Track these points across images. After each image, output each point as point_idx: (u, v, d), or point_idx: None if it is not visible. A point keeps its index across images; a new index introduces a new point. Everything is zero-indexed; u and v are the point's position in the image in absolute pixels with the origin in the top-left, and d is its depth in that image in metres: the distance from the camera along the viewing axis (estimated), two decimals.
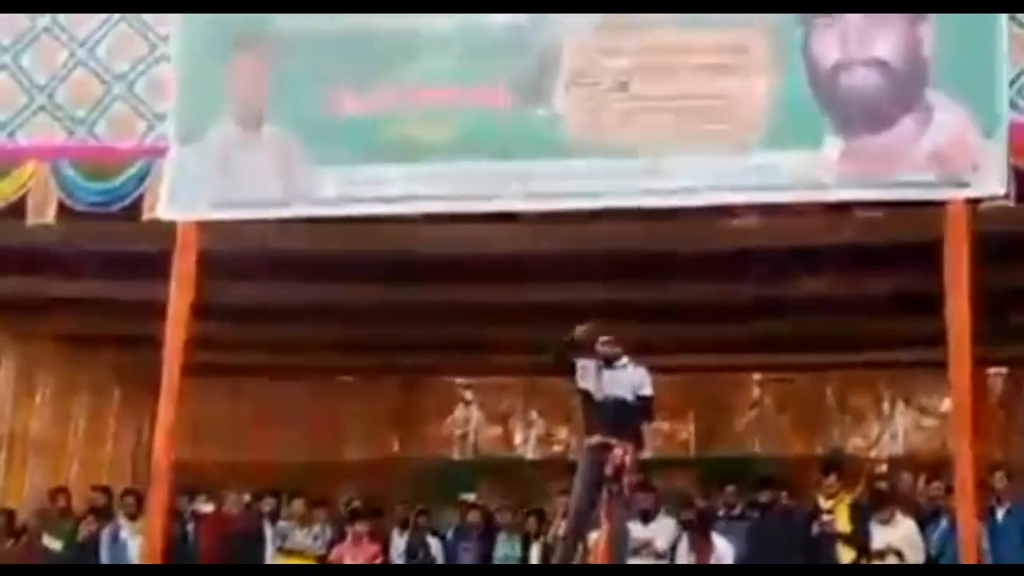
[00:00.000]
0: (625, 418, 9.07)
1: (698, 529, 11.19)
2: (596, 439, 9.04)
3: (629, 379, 9.12)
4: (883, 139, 8.55)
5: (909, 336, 12.22)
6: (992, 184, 8.42)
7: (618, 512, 9.13)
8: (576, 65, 8.91)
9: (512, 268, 10.92)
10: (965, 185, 8.45)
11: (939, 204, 8.49)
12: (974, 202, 8.47)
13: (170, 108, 9.46)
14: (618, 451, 8.91)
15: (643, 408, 9.17)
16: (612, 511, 9.09)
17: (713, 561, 10.95)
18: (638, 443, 9.13)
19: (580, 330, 9.01)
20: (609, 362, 9.13)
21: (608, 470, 8.91)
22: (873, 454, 15.37)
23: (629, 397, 9.07)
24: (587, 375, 9.15)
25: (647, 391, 9.16)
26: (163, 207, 9.38)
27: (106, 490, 13.07)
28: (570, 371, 9.23)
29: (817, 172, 8.65)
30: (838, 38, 8.65)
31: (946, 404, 12.74)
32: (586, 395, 9.16)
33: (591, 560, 9.30)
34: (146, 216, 9.39)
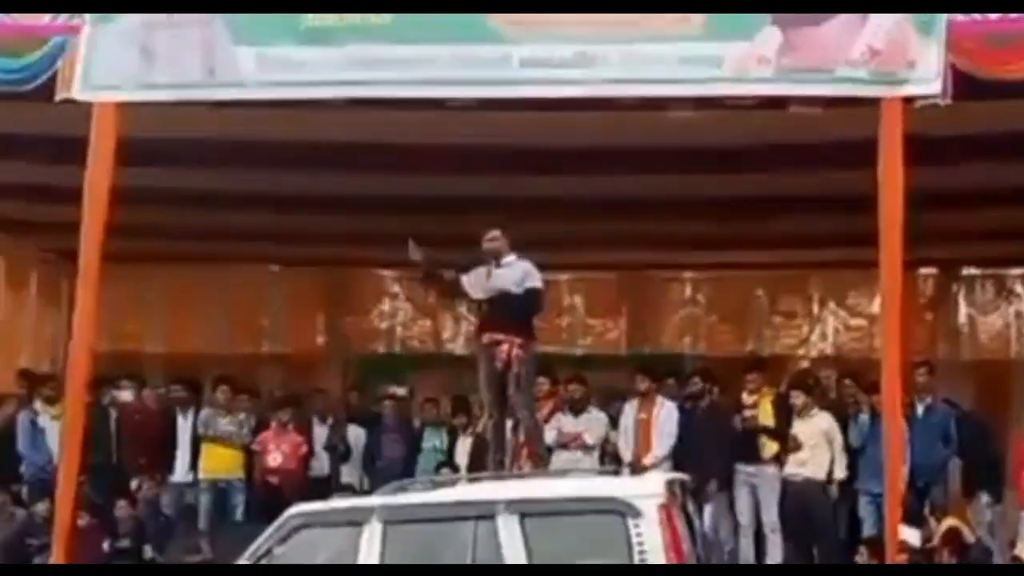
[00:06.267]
0: (511, 313, 9.08)
1: (647, 394, 11.27)
2: (486, 337, 9.13)
3: (515, 274, 9.10)
4: (821, 32, 8.42)
5: (841, 235, 12.19)
6: (928, 83, 8.32)
7: (519, 405, 9.16)
8: None
9: (441, 158, 10.71)
10: (901, 83, 8.35)
11: (875, 102, 8.39)
12: (910, 101, 8.37)
13: None
14: (505, 346, 8.98)
15: (531, 300, 9.19)
16: (515, 404, 9.14)
17: (656, 412, 11.09)
18: (528, 336, 9.14)
19: (414, 252, 9.20)
20: (496, 259, 9.12)
21: (498, 365, 8.98)
22: (802, 352, 15.43)
23: (515, 290, 9.08)
24: (473, 281, 9.23)
25: (533, 283, 9.17)
26: (78, 88, 9.04)
27: (29, 375, 12.87)
28: (452, 291, 9.61)
29: (754, 65, 8.50)
30: None
31: (876, 305, 12.75)
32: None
33: (515, 454, 9.27)
34: (59, 96, 9.06)
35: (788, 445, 10.80)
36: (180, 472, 12.05)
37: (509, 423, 9.26)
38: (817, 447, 10.79)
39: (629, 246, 14.12)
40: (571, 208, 12.16)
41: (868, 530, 10.40)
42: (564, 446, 10.98)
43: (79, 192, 9.17)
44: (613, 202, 11.99)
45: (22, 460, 11.96)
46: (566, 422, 11.16)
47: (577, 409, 11.26)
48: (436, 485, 8.39)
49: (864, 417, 10.93)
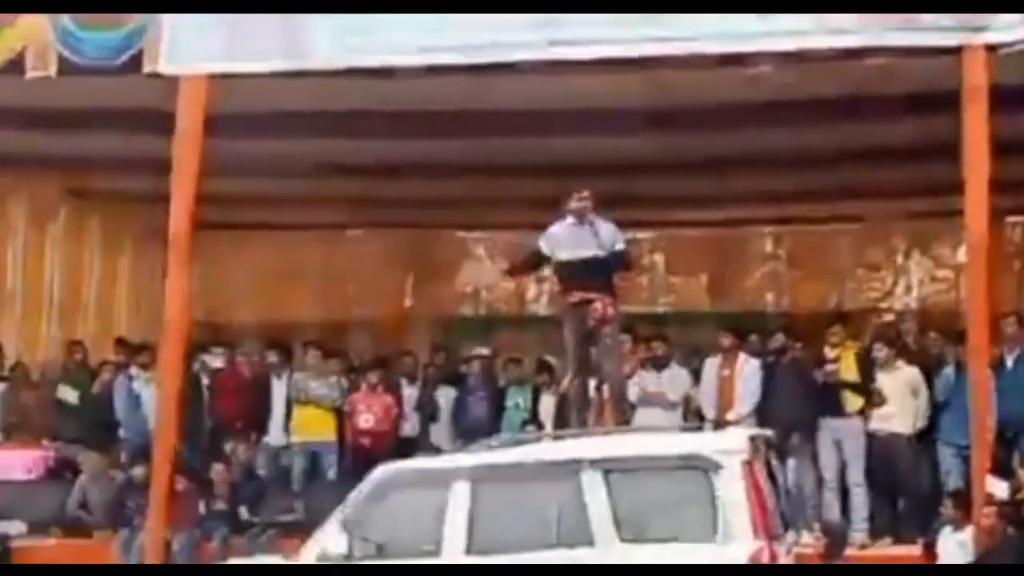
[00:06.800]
0: (601, 271, 9.14)
1: (730, 350, 11.20)
2: (576, 296, 9.15)
3: (603, 234, 9.13)
4: None
5: (925, 186, 12.05)
6: (1012, 29, 8.20)
7: (608, 362, 9.22)
8: None
9: (520, 121, 10.75)
10: (984, 29, 8.24)
11: (957, 50, 8.29)
12: (993, 48, 8.26)
13: None
14: (598, 304, 9.03)
15: (620, 260, 9.30)
16: (603, 362, 9.19)
17: (739, 369, 11.01)
18: (613, 295, 9.22)
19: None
20: (579, 218, 9.14)
21: (591, 323, 9.04)
22: (886, 305, 15.29)
23: (602, 253, 9.11)
24: (559, 241, 9.22)
25: (622, 244, 9.27)
26: (164, 61, 9.22)
27: (125, 344, 13.14)
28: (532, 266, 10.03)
29: (833, 17, 8.43)
30: None
31: (961, 255, 12.58)
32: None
33: (599, 411, 9.35)
34: (146, 70, 9.25)
35: (873, 399, 10.73)
36: (275, 435, 12.24)
37: (592, 381, 9.35)
38: (903, 401, 10.72)
39: (709, 203, 14.09)
40: (650, 166, 12.17)
41: (954, 482, 10.32)
42: (647, 403, 11.03)
43: (167, 163, 9.38)
44: (692, 159, 11.97)
45: (120, 425, 12.28)
46: (648, 379, 11.18)
47: (659, 366, 11.30)
48: (521, 443, 8.49)
49: (948, 370, 10.75)
